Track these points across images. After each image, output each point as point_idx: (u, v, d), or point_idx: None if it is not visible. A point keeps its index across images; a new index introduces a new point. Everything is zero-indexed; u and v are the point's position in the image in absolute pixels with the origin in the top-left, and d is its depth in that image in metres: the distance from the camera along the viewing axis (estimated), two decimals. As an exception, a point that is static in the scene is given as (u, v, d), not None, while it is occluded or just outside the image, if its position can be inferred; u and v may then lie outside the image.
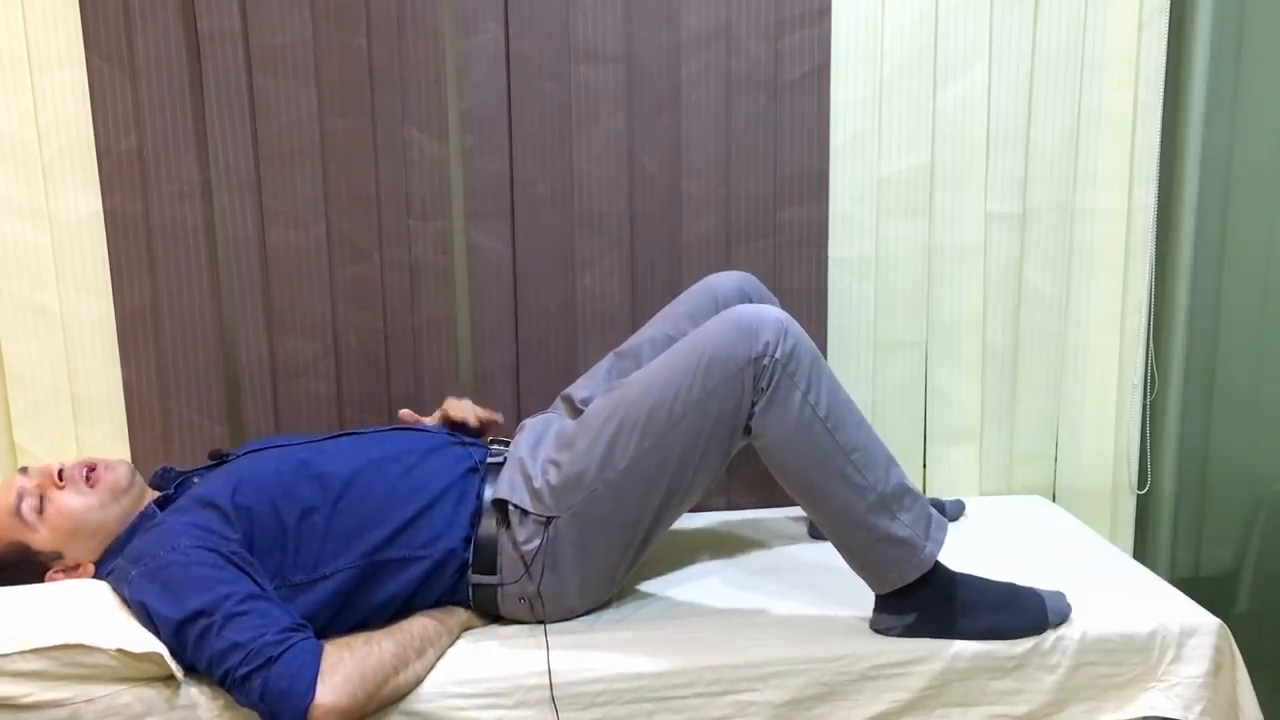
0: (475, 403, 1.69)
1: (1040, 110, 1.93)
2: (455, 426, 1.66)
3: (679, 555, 1.73)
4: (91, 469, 1.45)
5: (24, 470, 1.45)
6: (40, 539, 1.41)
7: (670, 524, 1.51)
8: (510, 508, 1.46)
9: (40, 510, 1.40)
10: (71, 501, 1.41)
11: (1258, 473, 1.96)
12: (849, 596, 1.52)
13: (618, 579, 1.51)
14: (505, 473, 1.51)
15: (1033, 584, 1.48)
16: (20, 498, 1.40)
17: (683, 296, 1.74)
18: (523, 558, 1.44)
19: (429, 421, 1.69)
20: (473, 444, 1.59)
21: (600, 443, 1.43)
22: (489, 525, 1.47)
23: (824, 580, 1.61)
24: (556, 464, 1.46)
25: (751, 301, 1.68)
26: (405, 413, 1.68)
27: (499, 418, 1.70)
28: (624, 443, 1.42)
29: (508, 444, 1.60)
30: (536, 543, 1.44)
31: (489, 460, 1.54)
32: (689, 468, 1.43)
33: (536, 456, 1.51)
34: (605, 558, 1.47)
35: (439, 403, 1.87)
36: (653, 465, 1.42)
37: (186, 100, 1.75)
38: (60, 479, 1.42)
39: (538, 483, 1.46)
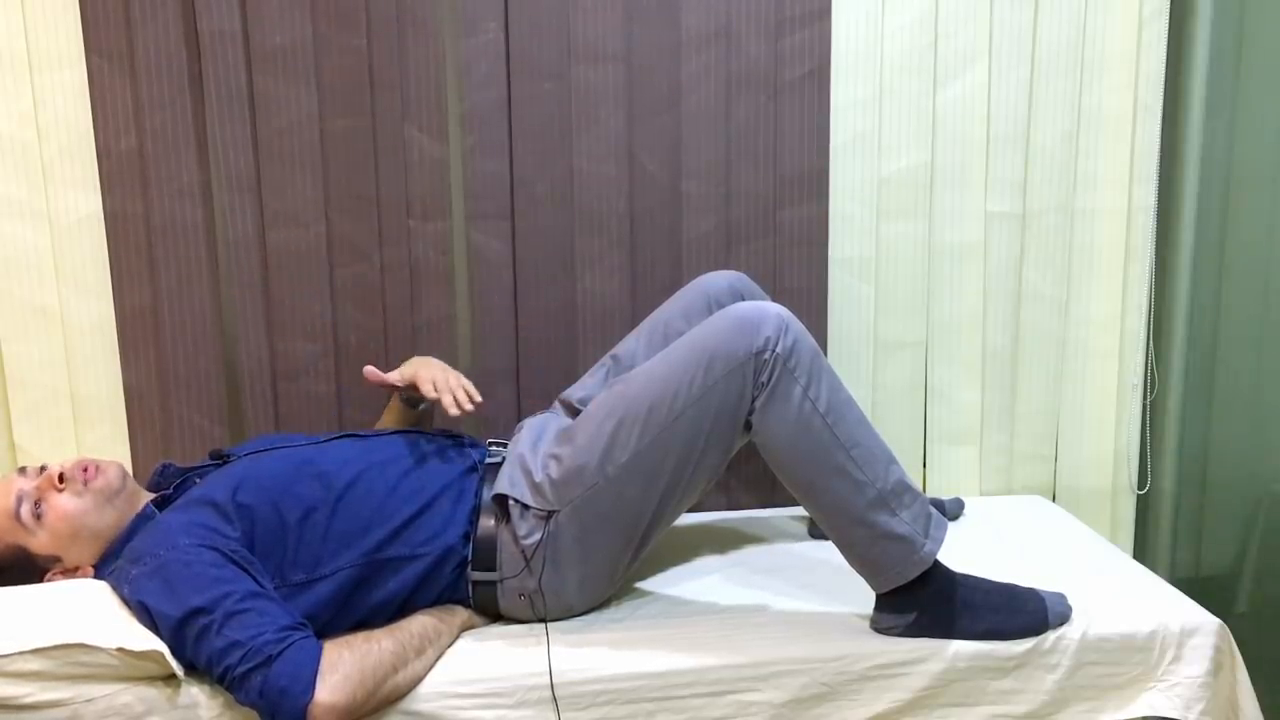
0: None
1: (1040, 110, 1.93)
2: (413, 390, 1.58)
3: (679, 554, 1.73)
4: (85, 469, 1.44)
5: (22, 471, 1.45)
6: (39, 542, 1.41)
7: (671, 521, 1.51)
8: (510, 502, 1.46)
9: (39, 514, 1.40)
10: (69, 504, 1.40)
11: (1258, 473, 1.96)
12: (849, 596, 1.52)
13: (618, 576, 1.51)
14: (505, 469, 1.51)
15: (1033, 584, 1.48)
16: (19, 501, 1.40)
17: (675, 296, 1.74)
18: (523, 552, 1.44)
19: (394, 377, 1.60)
20: (472, 445, 1.59)
21: (601, 437, 1.43)
22: (488, 522, 1.47)
23: (824, 579, 1.61)
24: (557, 458, 1.46)
25: (745, 299, 1.68)
26: (370, 370, 1.59)
27: (468, 407, 1.51)
28: (625, 438, 1.42)
29: (506, 445, 1.60)
30: (537, 537, 1.44)
31: (488, 460, 1.55)
32: (689, 463, 1.43)
33: (537, 452, 1.51)
34: (606, 553, 1.47)
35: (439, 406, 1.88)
36: (653, 460, 1.42)
37: (186, 100, 1.75)
38: (60, 482, 1.41)
39: (538, 477, 1.46)
